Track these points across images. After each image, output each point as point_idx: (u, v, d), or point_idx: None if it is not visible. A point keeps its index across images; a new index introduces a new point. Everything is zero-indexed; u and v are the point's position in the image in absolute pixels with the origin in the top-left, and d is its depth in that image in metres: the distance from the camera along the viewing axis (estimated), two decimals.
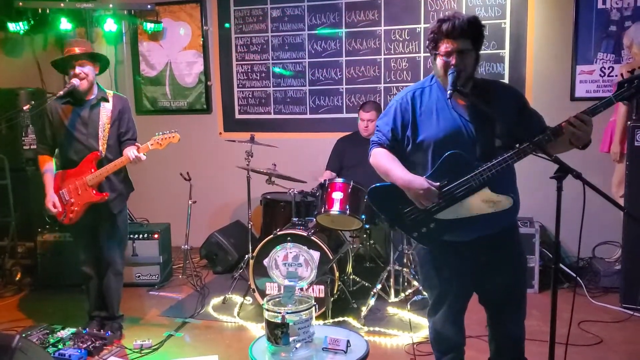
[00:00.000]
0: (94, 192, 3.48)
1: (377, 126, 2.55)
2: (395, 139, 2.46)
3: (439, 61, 2.32)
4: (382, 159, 2.47)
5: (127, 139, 3.59)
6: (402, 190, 2.38)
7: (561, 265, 4.44)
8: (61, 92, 3.46)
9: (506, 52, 4.94)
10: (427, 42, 2.38)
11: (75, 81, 3.43)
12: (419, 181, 2.32)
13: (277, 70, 5.51)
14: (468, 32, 2.28)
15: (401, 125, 2.44)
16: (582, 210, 2.14)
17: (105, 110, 3.54)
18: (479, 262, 2.47)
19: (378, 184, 2.50)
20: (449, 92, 2.25)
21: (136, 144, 3.45)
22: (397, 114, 2.45)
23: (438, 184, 2.32)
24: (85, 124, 3.52)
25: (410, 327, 3.66)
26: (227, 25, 5.59)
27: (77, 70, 3.43)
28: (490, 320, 2.64)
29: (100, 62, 3.60)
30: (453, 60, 2.28)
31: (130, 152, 3.38)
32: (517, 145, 2.26)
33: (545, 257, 4.43)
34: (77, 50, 3.46)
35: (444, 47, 2.29)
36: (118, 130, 3.59)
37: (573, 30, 4.75)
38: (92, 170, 3.47)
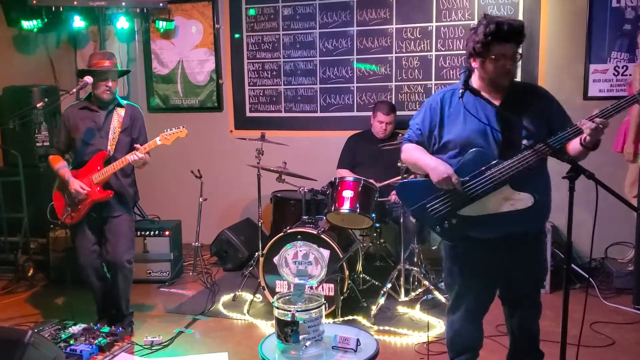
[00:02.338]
0: (99, 189, 3.51)
1: (409, 124, 2.64)
2: (422, 137, 2.57)
3: (492, 63, 2.35)
4: (411, 152, 2.59)
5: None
6: (428, 186, 2.47)
7: (573, 265, 4.40)
8: (74, 90, 3.50)
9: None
10: (474, 44, 2.37)
11: (88, 79, 3.48)
12: (444, 166, 2.40)
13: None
14: (520, 37, 2.36)
15: (429, 125, 2.53)
16: (595, 211, 2.12)
17: (118, 116, 3.62)
18: (503, 263, 2.51)
19: (406, 180, 2.62)
20: (460, 91, 2.25)
21: (136, 145, 3.49)
22: (427, 115, 2.54)
23: (461, 179, 2.38)
24: (99, 129, 3.59)
25: (428, 327, 3.65)
26: (237, 35, 5.60)
27: (110, 84, 3.53)
28: (507, 314, 2.72)
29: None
30: (508, 65, 2.34)
31: (130, 156, 3.45)
32: (538, 145, 2.28)
33: (557, 257, 4.40)
34: (107, 64, 3.56)
35: (500, 50, 2.33)
36: (131, 136, 3.65)
37: (587, 28, 4.70)
38: (99, 168, 3.50)
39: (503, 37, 2.31)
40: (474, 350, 2.73)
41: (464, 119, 2.42)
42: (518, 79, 4.82)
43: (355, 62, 5.33)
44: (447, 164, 2.42)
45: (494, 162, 2.34)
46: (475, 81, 2.46)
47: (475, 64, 2.41)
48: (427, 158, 2.49)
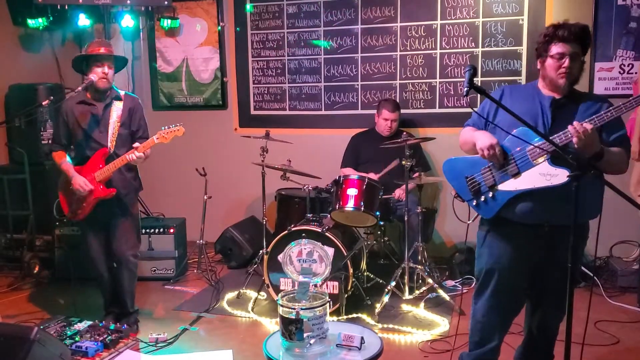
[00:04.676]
0: (101, 187, 3.52)
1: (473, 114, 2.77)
2: (479, 122, 2.69)
3: (550, 62, 2.45)
4: (464, 133, 2.72)
5: (139, 137, 3.65)
6: (471, 163, 2.60)
7: None
8: (79, 88, 3.50)
9: (523, 49, 4.89)
10: (537, 45, 2.51)
11: (93, 76, 3.48)
12: (489, 136, 2.51)
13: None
14: (580, 38, 2.41)
15: (487, 109, 2.65)
16: (600, 209, 2.12)
17: (117, 109, 3.59)
18: (533, 257, 2.56)
19: (451, 158, 2.74)
20: (465, 89, 2.25)
21: (134, 145, 3.48)
22: (486, 103, 2.65)
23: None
24: (98, 123, 3.57)
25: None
26: (237, 29, 5.61)
27: (106, 69, 3.50)
28: (529, 311, 2.77)
29: (117, 62, 3.67)
30: (566, 63, 2.40)
31: (129, 155, 3.44)
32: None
33: None
34: (102, 50, 3.52)
35: (557, 49, 2.42)
36: (130, 129, 3.64)
37: (592, 26, 4.69)
38: (101, 166, 3.51)
39: (561, 38, 2.41)
40: (492, 343, 2.73)
41: (517, 107, 2.44)
42: (523, 76, 4.87)
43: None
44: (493, 137, 2.52)
45: (537, 139, 2.40)
46: (539, 82, 2.57)
47: (539, 65, 2.52)
48: (478, 133, 2.60)
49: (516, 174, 2.48)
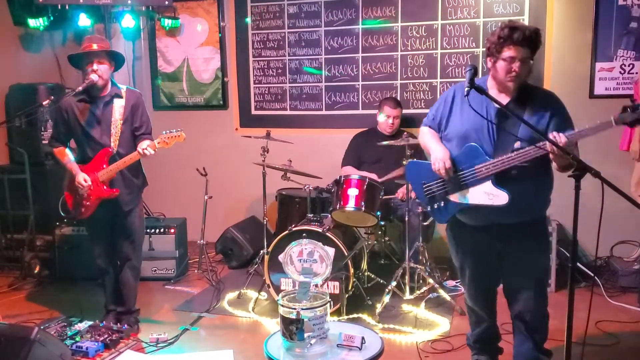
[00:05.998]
0: (105, 187, 3.52)
1: (430, 109, 2.90)
2: (434, 123, 2.82)
3: (502, 64, 2.48)
4: (423, 135, 2.86)
5: (141, 134, 3.62)
6: (429, 170, 2.69)
7: (578, 264, 4.40)
8: (80, 88, 3.47)
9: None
10: (489, 44, 2.53)
11: (93, 77, 3.45)
12: (443, 152, 2.65)
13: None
14: (533, 43, 2.47)
15: (440, 115, 2.77)
16: (601, 209, 2.12)
17: (118, 107, 3.55)
18: (495, 249, 2.68)
19: (416, 160, 2.94)
20: (466, 89, 2.27)
21: (139, 149, 3.44)
22: (440, 104, 2.78)
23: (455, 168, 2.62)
24: (98, 122, 3.54)
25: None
26: (247, 20, 5.60)
27: (95, 66, 3.45)
28: (508, 301, 2.83)
29: (116, 60, 3.63)
30: (515, 67, 2.46)
31: (139, 147, 3.42)
32: (518, 148, 2.45)
33: (562, 255, 4.39)
34: (95, 46, 3.48)
35: (510, 52, 2.46)
36: (132, 126, 3.61)
37: (593, 26, 4.68)
38: (104, 166, 3.51)
39: (514, 41, 2.43)
40: (485, 322, 2.90)
41: (466, 113, 2.59)
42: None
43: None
44: (447, 150, 2.65)
45: (484, 158, 2.52)
46: (489, 79, 2.61)
47: (489, 63, 2.56)
48: (434, 143, 2.74)
49: (464, 188, 2.61)
